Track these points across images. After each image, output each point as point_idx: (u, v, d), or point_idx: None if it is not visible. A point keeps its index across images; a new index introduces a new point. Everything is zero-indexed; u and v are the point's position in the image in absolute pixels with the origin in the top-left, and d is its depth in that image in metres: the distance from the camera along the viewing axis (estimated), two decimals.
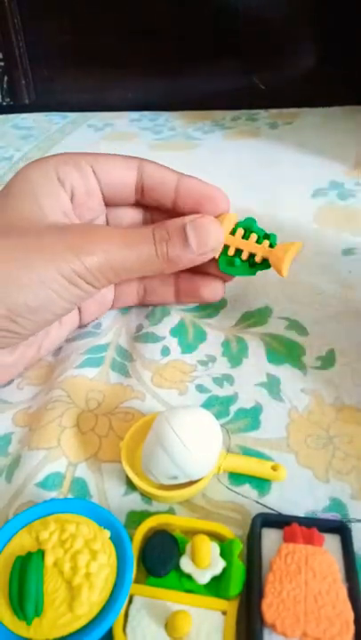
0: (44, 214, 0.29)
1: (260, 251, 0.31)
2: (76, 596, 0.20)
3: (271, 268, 0.31)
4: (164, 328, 0.36)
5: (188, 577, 0.21)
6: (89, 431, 0.29)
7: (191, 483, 0.25)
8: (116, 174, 0.32)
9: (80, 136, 0.78)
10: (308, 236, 0.47)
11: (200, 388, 0.32)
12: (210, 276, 0.35)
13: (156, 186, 0.32)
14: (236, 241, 0.31)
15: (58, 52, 0.88)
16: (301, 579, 0.20)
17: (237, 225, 0.32)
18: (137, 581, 0.22)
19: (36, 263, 0.26)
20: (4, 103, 0.93)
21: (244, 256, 0.32)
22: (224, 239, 0.31)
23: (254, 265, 0.32)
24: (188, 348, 0.35)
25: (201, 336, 0.36)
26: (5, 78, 0.91)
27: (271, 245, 0.31)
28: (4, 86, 0.92)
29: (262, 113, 0.82)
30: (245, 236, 0.32)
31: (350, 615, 0.20)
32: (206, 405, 0.30)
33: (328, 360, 0.33)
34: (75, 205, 0.31)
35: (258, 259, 0.31)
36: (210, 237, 0.30)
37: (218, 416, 0.29)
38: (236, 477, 0.27)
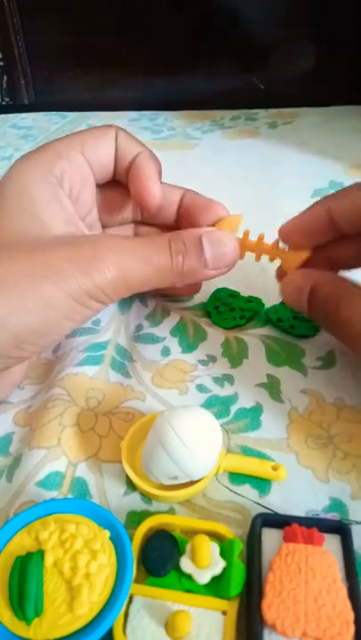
0: (46, 226, 0.27)
1: (273, 252, 0.31)
2: (75, 596, 0.20)
3: None
4: (164, 329, 0.36)
5: (188, 577, 0.21)
6: (89, 431, 0.29)
7: (191, 483, 0.25)
8: (102, 152, 0.30)
9: None
10: None
11: (200, 388, 0.32)
12: None
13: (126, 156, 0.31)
14: (247, 243, 0.31)
15: (57, 52, 0.88)
16: (301, 579, 0.20)
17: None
18: (137, 581, 0.22)
19: (43, 286, 0.24)
20: (4, 103, 0.93)
21: (257, 258, 0.31)
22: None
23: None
24: (188, 347, 0.35)
25: (201, 335, 0.36)
26: (5, 78, 0.91)
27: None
28: (4, 86, 0.92)
29: (262, 112, 0.82)
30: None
31: (350, 615, 0.20)
32: (207, 405, 0.30)
33: (328, 360, 0.33)
34: (72, 202, 0.30)
35: (271, 259, 0.31)
36: (226, 254, 0.29)
37: (218, 416, 0.29)
38: (237, 477, 0.27)
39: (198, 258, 0.28)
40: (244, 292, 0.39)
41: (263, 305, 0.37)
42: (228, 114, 0.82)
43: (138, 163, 0.31)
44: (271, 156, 0.65)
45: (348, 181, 0.56)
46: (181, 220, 0.33)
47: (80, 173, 0.30)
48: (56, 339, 0.27)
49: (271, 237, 0.31)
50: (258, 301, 0.38)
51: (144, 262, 0.27)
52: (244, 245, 0.31)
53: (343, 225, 0.28)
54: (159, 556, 0.22)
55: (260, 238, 0.31)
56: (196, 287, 0.36)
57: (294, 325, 0.35)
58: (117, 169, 0.31)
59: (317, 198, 0.54)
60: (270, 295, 0.39)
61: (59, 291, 0.24)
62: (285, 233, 0.30)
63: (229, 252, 0.29)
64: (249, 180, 0.59)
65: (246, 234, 0.31)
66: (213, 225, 0.31)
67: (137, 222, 0.35)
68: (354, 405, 0.30)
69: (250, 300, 0.38)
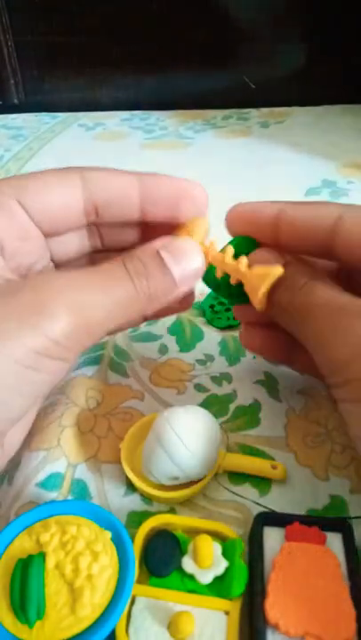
0: None
1: (234, 271, 0.24)
2: (78, 598, 0.20)
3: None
4: (161, 326, 0.36)
5: (191, 577, 0.21)
6: (88, 432, 0.29)
7: (192, 483, 0.25)
8: (53, 200, 0.23)
9: (71, 136, 0.78)
10: None
11: (199, 388, 0.32)
12: None
13: (115, 199, 0.24)
14: (210, 254, 0.25)
15: (47, 52, 0.88)
16: (304, 578, 0.20)
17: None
18: (139, 582, 0.22)
19: None
20: None
21: (218, 273, 0.25)
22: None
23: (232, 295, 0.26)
24: (185, 346, 0.35)
25: (198, 335, 0.36)
26: None
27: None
28: None
29: (253, 112, 0.82)
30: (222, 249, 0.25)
31: (353, 613, 0.20)
32: (205, 404, 0.30)
33: None
34: (8, 258, 0.23)
35: (233, 281, 0.25)
36: (191, 260, 0.23)
37: (217, 415, 0.29)
38: (237, 477, 0.26)
39: (163, 275, 0.22)
40: None
41: None
42: (220, 113, 0.82)
43: (150, 185, 0.24)
44: (264, 155, 0.65)
45: (341, 180, 0.57)
46: (149, 214, 0.25)
47: (15, 225, 0.23)
48: (6, 426, 0.21)
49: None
50: None
51: (103, 295, 0.21)
52: (207, 257, 0.24)
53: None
54: (161, 556, 0.22)
55: (226, 252, 0.24)
56: (189, 300, 0.28)
57: None
58: (110, 213, 0.25)
59: (311, 197, 0.54)
60: None
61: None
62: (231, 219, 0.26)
63: (193, 257, 0.23)
64: (242, 179, 0.59)
65: (212, 243, 0.25)
66: (175, 229, 0.25)
67: (94, 252, 0.28)
68: None
69: None
